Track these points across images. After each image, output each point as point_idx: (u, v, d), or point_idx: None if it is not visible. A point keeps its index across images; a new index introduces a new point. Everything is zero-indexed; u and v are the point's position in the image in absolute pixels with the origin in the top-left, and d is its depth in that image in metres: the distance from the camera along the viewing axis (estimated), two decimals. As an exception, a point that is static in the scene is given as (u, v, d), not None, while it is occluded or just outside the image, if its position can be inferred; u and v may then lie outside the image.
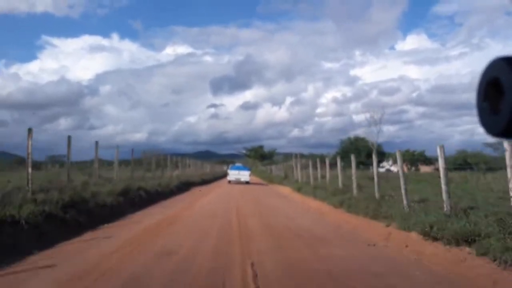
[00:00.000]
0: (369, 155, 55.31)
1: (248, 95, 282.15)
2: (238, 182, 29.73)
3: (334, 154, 63.63)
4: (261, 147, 76.12)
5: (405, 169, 56.47)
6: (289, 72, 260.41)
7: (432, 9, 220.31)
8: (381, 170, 56.03)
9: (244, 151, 76.94)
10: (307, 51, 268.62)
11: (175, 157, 34.01)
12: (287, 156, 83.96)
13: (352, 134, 63.01)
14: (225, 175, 35.71)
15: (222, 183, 34.92)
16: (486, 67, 0.72)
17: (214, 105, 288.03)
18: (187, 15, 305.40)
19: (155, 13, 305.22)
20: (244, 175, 30.40)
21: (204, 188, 25.86)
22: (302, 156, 64.76)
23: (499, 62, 0.69)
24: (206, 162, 69.20)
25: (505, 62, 0.68)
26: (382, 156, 57.35)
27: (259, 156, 73.51)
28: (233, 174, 31.05)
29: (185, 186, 24.75)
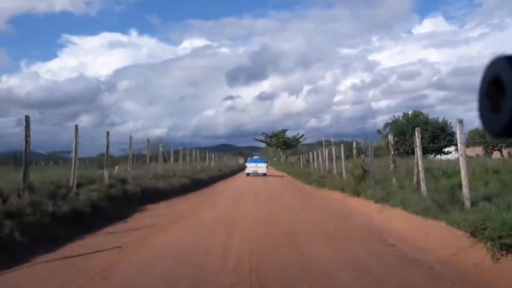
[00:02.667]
0: (434, 138, 38.10)
1: (264, 85, 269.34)
2: (256, 175, 29.43)
3: (384, 136, 48.18)
4: (283, 131, 61.10)
5: (478, 153, 40.94)
6: (306, 60, 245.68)
7: None
8: (448, 156, 40.27)
9: (263, 138, 62.20)
10: (323, 38, 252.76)
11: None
12: (311, 146, 69.01)
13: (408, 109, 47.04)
14: (238, 170, 34.70)
15: (225, 188, 20.56)
16: (488, 65, 0.72)
17: (230, 97, 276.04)
18: (203, 7, 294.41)
19: (171, 6, 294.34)
20: (261, 167, 30.74)
21: (172, 212, 11.45)
22: (334, 143, 50.19)
23: (501, 60, 0.69)
24: (223, 154, 55.61)
25: (506, 60, 0.68)
26: (451, 138, 41.48)
27: (282, 144, 58.53)
28: (251, 167, 31.50)
29: (130, 207, 10.69)
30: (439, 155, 42.43)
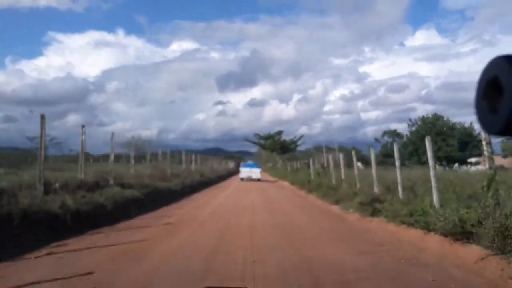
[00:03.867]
0: (464, 145, 31.36)
1: (255, 92, 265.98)
2: (250, 179, 29.55)
3: (406, 142, 40.78)
4: (280, 133, 53.04)
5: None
6: (297, 68, 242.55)
7: (441, 3, 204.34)
8: (478, 167, 33.35)
9: (256, 140, 54.33)
10: (315, 46, 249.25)
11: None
12: (306, 152, 62.07)
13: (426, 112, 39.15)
14: (228, 175, 34.17)
15: (201, 208, 13.33)
16: (486, 65, 0.72)
17: (221, 102, 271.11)
18: (193, 9, 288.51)
19: (159, 6, 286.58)
20: (255, 173, 30.69)
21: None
22: (332, 149, 44.76)
23: (499, 60, 0.69)
24: (210, 156, 48.02)
25: (505, 61, 0.68)
26: (476, 143, 34.60)
27: (279, 147, 50.90)
28: (245, 172, 31.24)
29: None
30: (465, 166, 35.69)
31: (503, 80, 0.67)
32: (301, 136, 53.67)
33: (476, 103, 0.74)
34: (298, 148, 53.64)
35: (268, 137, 51.96)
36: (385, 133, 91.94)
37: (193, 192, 17.72)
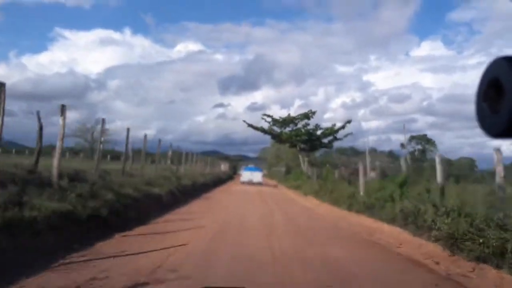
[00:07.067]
0: None
1: (256, 96, 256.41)
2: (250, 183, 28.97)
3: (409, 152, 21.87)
4: (307, 116, 29.98)
5: None
6: (300, 74, 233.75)
7: (448, 15, 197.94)
8: None
9: (267, 126, 30.65)
10: (320, 53, 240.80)
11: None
12: (329, 154, 46.36)
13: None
14: (216, 184, 28.04)
15: None
16: (487, 67, 0.70)
17: (221, 105, 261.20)
18: (200, 11, 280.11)
19: (167, 7, 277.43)
20: (257, 176, 29.96)
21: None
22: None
23: (500, 61, 0.67)
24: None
25: (505, 61, 0.66)
26: None
27: (304, 141, 28.97)
28: (246, 175, 30.33)
29: None
30: None
31: (504, 81, 0.64)
32: (349, 121, 30.54)
33: (477, 104, 0.71)
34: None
35: (287, 120, 29.82)
36: (413, 138, 74.09)
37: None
